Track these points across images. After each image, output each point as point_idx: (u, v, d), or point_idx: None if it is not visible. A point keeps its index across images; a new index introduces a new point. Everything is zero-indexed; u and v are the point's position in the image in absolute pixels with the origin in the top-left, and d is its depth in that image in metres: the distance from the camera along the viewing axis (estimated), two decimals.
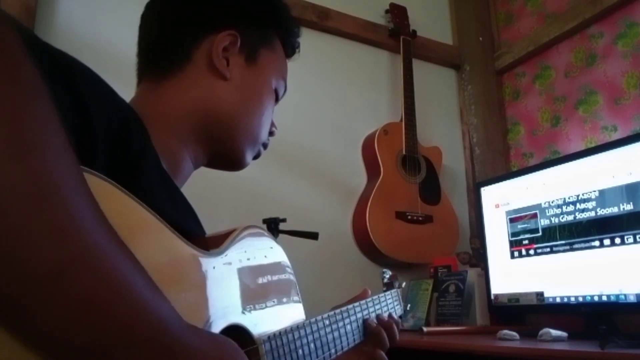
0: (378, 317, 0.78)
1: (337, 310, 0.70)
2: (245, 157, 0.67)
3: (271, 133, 0.71)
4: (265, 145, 0.70)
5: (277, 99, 0.71)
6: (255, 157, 0.69)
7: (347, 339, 0.70)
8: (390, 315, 0.81)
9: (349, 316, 0.72)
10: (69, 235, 0.29)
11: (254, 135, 0.66)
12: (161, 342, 0.33)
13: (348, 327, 0.71)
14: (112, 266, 0.31)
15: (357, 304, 0.76)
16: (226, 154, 0.65)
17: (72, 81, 0.39)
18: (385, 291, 0.89)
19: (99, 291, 0.30)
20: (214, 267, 0.49)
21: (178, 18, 0.62)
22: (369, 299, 0.81)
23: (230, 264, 0.52)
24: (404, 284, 0.97)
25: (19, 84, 0.29)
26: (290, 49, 0.73)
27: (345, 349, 0.70)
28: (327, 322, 0.66)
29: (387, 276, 0.94)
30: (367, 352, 0.74)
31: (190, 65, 0.60)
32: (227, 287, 0.51)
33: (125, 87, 0.63)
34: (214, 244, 0.52)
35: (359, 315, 0.75)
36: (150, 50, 0.63)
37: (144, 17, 0.65)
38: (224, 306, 0.49)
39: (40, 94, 0.31)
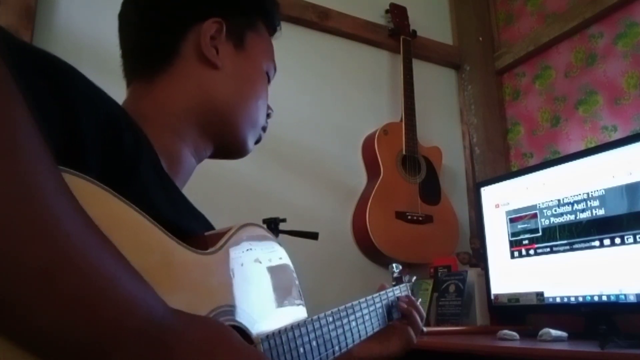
0: (405, 298, 0.87)
1: (342, 307, 0.70)
2: (248, 143, 0.67)
3: (268, 115, 0.71)
4: (264, 129, 0.70)
5: (268, 81, 0.71)
6: (257, 142, 0.69)
7: (353, 334, 0.70)
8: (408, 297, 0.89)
9: (354, 312, 0.72)
10: (51, 232, 0.29)
11: (253, 119, 0.66)
12: (149, 332, 0.33)
13: (353, 322, 0.71)
14: (96, 261, 0.31)
15: (363, 299, 0.76)
16: (228, 143, 0.65)
17: (57, 84, 0.38)
18: (394, 285, 0.89)
19: (85, 288, 0.30)
20: (208, 267, 0.48)
21: (160, 13, 0.61)
22: (376, 294, 0.81)
23: (226, 262, 0.51)
24: (414, 279, 0.97)
25: None
26: (272, 28, 0.72)
27: (351, 345, 0.69)
28: (330, 319, 0.65)
29: (397, 270, 0.94)
30: (399, 333, 0.82)
31: (179, 59, 0.60)
32: (223, 286, 0.50)
33: (126, 87, 0.63)
34: (212, 242, 0.51)
35: (365, 310, 0.75)
36: (135, 50, 0.62)
37: (123, 16, 0.64)
38: (220, 307, 0.48)
39: (11, 97, 0.30)
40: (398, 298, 0.86)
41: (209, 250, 0.50)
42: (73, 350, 0.30)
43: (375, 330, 0.77)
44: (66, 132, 0.38)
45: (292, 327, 0.57)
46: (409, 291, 0.93)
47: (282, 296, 0.60)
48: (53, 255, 0.28)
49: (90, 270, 0.30)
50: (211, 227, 0.59)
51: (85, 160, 0.39)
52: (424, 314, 0.86)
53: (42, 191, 0.29)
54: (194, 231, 0.51)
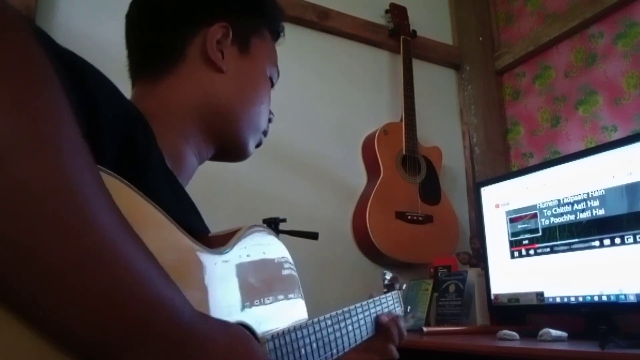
0: (386, 315, 0.83)
1: (340, 311, 0.71)
2: (249, 146, 0.67)
3: (270, 120, 0.72)
4: (265, 133, 0.71)
5: (272, 85, 0.71)
6: (257, 146, 0.70)
7: (349, 339, 0.71)
8: (390, 313, 0.85)
9: (350, 317, 0.73)
10: (84, 228, 0.29)
11: (255, 124, 0.66)
12: (173, 333, 0.34)
13: (350, 327, 0.72)
14: (126, 259, 0.31)
15: (359, 304, 0.77)
16: (230, 146, 0.66)
17: (81, 80, 0.39)
18: (386, 292, 0.89)
19: (114, 284, 0.30)
20: (219, 265, 0.49)
21: (167, 15, 0.61)
22: (370, 300, 0.81)
23: (235, 262, 0.53)
24: (404, 286, 0.97)
25: (36, 78, 0.30)
26: (275, 34, 0.72)
27: (347, 349, 0.70)
28: (329, 322, 0.67)
29: (388, 277, 0.94)
30: (378, 348, 0.78)
31: (185, 62, 0.60)
32: (232, 285, 0.51)
33: (126, 87, 0.63)
34: (217, 242, 0.53)
35: (361, 316, 0.76)
36: (142, 51, 0.62)
37: (130, 17, 0.64)
38: (229, 304, 0.49)
39: (55, 89, 0.31)
40: (378, 316, 0.81)
41: (220, 250, 0.51)
42: (95, 344, 0.30)
43: (369, 335, 0.78)
44: (87, 127, 0.38)
45: (295, 329, 0.58)
46: (400, 298, 0.93)
47: (285, 295, 0.61)
48: (80, 251, 0.29)
49: (119, 267, 0.31)
50: (207, 229, 0.60)
51: (103, 155, 0.39)
52: (404, 332, 0.82)
53: (75, 187, 0.30)
54: (198, 230, 0.52)
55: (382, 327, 0.79)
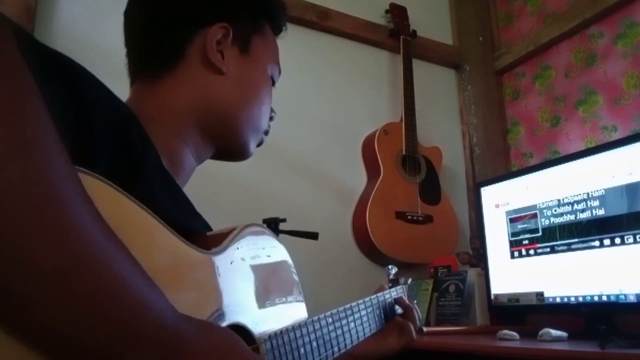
0: (408, 298, 0.89)
1: (341, 308, 0.70)
2: (250, 147, 0.67)
3: (271, 118, 0.71)
4: (266, 132, 0.70)
5: (273, 84, 0.71)
6: (259, 145, 0.70)
7: (351, 336, 0.70)
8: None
9: (352, 313, 0.72)
10: (69, 234, 0.29)
11: (256, 125, 0.66)
12: (160, 337, 0.34)
13: (352, 324, 0.71)
14: (110, 264, 0.31)
15: (361, 300, 0.77)
16: (230, 146, 0.65)
17: (72, 84, 0.39)
18: (390, 287, 0.89)
19: (99, 290, 0.30)
20: (214, 266, 0.49)
21: (167, 15, 0.61)
22: (374, 296, 0.81)
23: (230, 262, 0.52)
24: (409, 281, 0.97)
25: (13, 86, 0.29)
26: (277, 28, 0.72)
27: (350, 346, 0.69)
28: (329, 320, 0.66)
29: (393, 272, 0.94)
30: (399, 324, 0.84)
31: (184, 63, 0.60)
32: (228, 286, 0.50)
33: (126, 88, 0.63)
34: (214, 242, 0.52)
35: (364, 312, 0.76)
36: (141, 51, 0.62)
37: (128, 15, 0.63)
38: (225, 306, 0.48)
39: (32, 96, 0.30)
40: (395, 299, 0.87)
41: (214, 250, 0.50)
42: (85, 351, 0.30)
43: (372, 332, 0.78)
44: (79, 129, 0.38)
45: (294, 328, 0.57)
46: (405, 293, 0.93)
47: (283, 295, 0.61)
48: (68, 257, 0.29)
49: (104, 273, 0.31)
50: (209, 228, 0.59)
51: (95, 158, 0.39)
52: (420, 315, 0.88)
53: (59, 192, 0.29)
54: (197, 231, 0.52)
55: (404, 307, 0.85)
